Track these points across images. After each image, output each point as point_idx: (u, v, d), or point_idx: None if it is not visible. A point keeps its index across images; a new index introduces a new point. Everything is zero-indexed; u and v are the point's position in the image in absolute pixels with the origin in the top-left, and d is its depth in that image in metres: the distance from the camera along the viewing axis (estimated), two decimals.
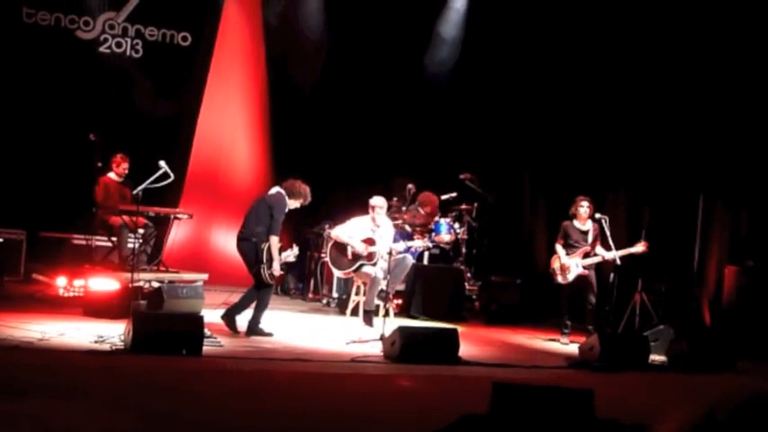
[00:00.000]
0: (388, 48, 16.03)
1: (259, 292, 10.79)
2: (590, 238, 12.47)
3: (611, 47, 15.01)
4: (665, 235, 13.76)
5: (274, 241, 10.62)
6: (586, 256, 12.37)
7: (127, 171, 12.79)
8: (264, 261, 10.57)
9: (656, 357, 11.20)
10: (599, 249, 12.41)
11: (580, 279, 12.34)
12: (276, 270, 10.63)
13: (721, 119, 13.99)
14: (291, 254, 11.03)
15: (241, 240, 10.87)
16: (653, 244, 12.44)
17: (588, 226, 12.52)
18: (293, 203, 11.02)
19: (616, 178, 15.09)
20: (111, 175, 12.89)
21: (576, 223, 12.55)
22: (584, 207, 12.45)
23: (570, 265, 12.34)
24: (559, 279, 12.46)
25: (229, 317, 10.72)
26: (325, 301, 14.29)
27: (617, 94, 14.98)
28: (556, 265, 12.50)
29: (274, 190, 11.06)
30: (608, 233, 12.23)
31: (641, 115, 14.74)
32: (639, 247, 12.29)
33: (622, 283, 12.85)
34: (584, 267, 12.33)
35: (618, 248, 12.25)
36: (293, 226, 15.94)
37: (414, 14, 16.33)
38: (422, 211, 14.37)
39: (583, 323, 12.41)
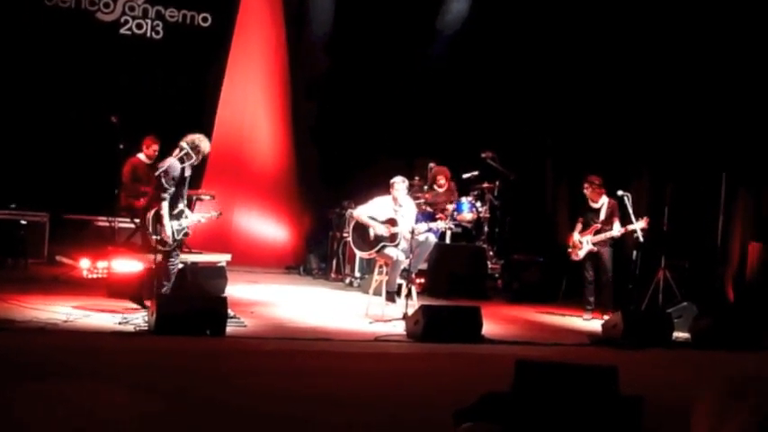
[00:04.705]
0: (404, 23, 15.99)
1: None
2: (602, 215, 12.44)
3: (634, 24, 14.90)
4: (689, 212, 13.69)
5: (162, 206, 9.56)
6: (597, 233, 12.37)
7: (157, 153, 12.80)
8: (150, 229, 9.63)
9: (680, 334, 11.15)
10: (616, 226, 12.35)
11: (592, 255, 12.40)
12: (167, 236, 9.58)
13: (743, 98, 13.89)
14: (201, 216, 10.26)
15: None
16: (676, 221, 12.39)
17: (600, 204, 12.49)
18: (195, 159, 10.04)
19: (639, 156, 15.01)
20: (141, 156, 12.96)
21: (589, 202, 12.55)
22: (585, 188, 12.57)
23: (583, 242, 12.40)
24: (573, 256, 12.56)
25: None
26: (347, 281, 14.29)
27: (640, 71, 14.87)
28: (570, 242, 12.60)
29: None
30: (630, 210, 12.13)
31: (663, 94, 14.63)
32: (641, 224, 12.06)
33: (645, 260, 12.80)
34: (594, 244, 12.34)
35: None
36: (316, 205, 16.01)
37: None
38: (438, 189, 14.34)
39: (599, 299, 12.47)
